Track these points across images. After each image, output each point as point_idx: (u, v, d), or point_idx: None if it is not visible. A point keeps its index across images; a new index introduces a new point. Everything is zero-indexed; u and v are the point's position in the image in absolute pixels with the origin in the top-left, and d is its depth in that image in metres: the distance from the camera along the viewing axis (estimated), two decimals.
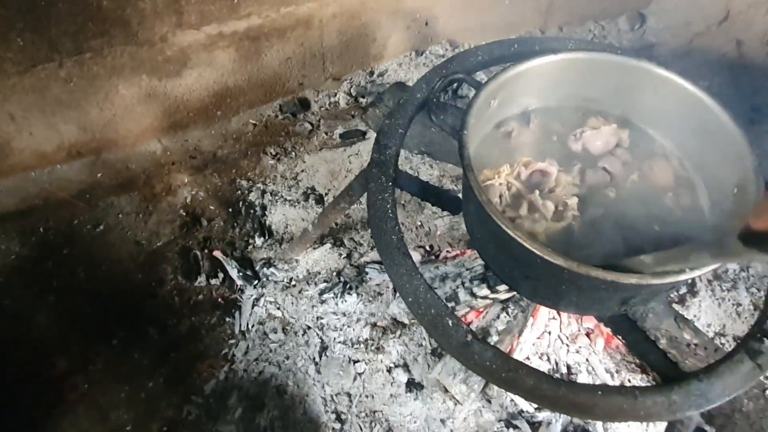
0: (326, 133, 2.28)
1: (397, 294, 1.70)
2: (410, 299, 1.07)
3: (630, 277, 0.89)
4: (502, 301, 1.56)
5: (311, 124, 2.31)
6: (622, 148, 1.20)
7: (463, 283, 1.54)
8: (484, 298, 1.51)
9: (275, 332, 1.75)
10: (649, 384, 1.59)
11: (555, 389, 0.99)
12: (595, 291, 1.03)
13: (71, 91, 1.85)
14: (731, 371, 1.03)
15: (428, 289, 1.07)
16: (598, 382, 1.62)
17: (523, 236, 0.92)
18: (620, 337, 1.31)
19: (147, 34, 1.83)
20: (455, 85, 1.34)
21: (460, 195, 1.33)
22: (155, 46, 1.87)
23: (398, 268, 1.10)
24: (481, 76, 1.86)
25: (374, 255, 1.86)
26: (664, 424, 1.28)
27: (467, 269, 1.57)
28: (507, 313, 1.55)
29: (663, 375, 1.12)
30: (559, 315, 1.68)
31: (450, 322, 1.04)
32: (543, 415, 1.57)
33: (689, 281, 1.87)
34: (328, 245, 1.90)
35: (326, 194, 2.08)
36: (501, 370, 1.00)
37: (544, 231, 1.08)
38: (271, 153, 2.20)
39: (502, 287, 1.46)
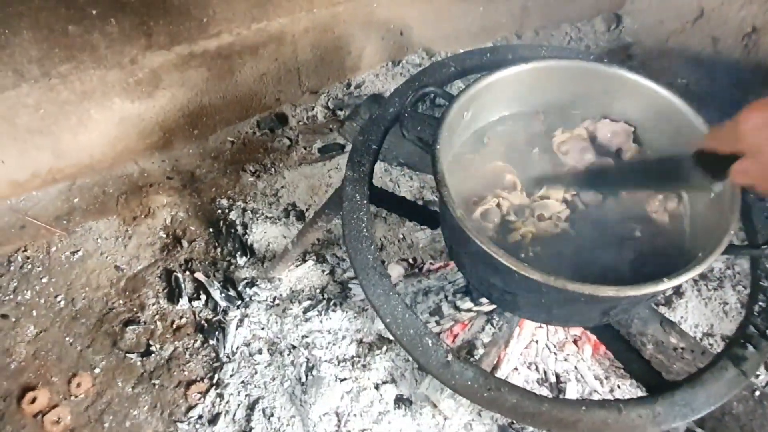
0: (305, 148, 2.26)
1: None
2: (388, 320, 1.05)
3: (607, 289, 0.87)
4: (487, 313, 1.55)
5: (290, 140, 2.28)
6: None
7: (446, 297, 1.52)
8: (468, 310, 1.49)
9: (260, 353, 1.72)
10: (638, 389, 1.58)
11: (538, 406, 0.97)
12: (575, 303, 1.01)
13: (42, 118, 1.81)
14: (715, 379, 1.02)
15: (406, 308, 1.05)
16: (587, 389, 1.61)
17: (500, 252, 0.91)
18: (606, 346, 1.30)
19: (116, 57, 1.80)
20: (432, 95, 1.33)
21: (437, 208, 1.31)
22: (125, 69, 1.84)
23: (375, 288, 1.08)
24: (458, 84, 1.85)
25: None
26: None
27: (450, 282, 1.55)
28: (492, 325, 1.53)
29: (647, 385, 1.10)
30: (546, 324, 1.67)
31: (429, 342, 1.02)
32: (533, 427, 1.55)
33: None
34: (311, 262, 1.88)
35: (307, 210, 2.05)
36: (482, 389, 0.98)
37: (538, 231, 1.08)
38: (250, 170, 2.18)
39: (485, 299, 1.45)
